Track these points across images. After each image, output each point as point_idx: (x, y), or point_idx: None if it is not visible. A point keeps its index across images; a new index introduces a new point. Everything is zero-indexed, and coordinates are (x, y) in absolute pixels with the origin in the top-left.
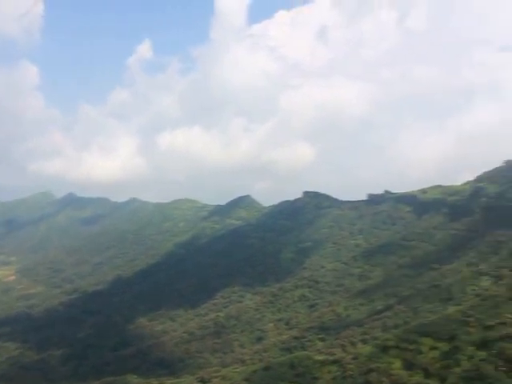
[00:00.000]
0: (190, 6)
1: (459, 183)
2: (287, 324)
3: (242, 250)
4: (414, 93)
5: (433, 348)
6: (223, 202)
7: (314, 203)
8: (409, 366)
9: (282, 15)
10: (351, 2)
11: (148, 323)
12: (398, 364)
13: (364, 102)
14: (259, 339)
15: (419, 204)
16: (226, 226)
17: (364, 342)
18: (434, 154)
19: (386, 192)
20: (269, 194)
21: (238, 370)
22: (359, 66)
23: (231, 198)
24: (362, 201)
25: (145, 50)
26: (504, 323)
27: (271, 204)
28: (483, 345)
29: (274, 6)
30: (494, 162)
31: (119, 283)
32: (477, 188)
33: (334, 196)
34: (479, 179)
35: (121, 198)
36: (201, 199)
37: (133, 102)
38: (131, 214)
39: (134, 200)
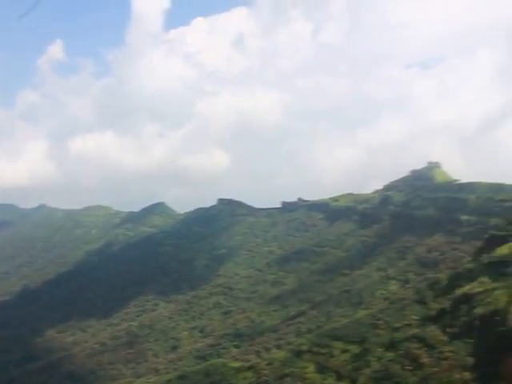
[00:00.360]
0: (106, 9)
1: (369, 191)
2: (202, 332)
3: (156, 258)
4: (328, 103)
5: (344, 351)
6: (137, 209)
7: (229, 210)
8: (322, 369)
9: (199, 22)
10: (268, 13)
11: (57, 335)
12: (311, 368)
13: (279, 111)
14: (174, 348)
15: (331, 211)
16: (139, 233)
17: (278, 347)
18: (345, 163)
19: (300, 200)
20: (184, 201)
21: (151, 380)
22: (275, 76)
23: (145, 205)
24: (276, 208)
25: (56, 50)
26: (410, 324)
27: (186, 211)
28: (391, 346)
29: (192, 13)
30: (401, 171)
31: (27, 293)
32: (385, 196)
33: (249, 203)
34: (387, 188)
35: (29, 204)
36: (114, 206)
37: (43, 104)
38: (40, 221)
39: (42, 206)
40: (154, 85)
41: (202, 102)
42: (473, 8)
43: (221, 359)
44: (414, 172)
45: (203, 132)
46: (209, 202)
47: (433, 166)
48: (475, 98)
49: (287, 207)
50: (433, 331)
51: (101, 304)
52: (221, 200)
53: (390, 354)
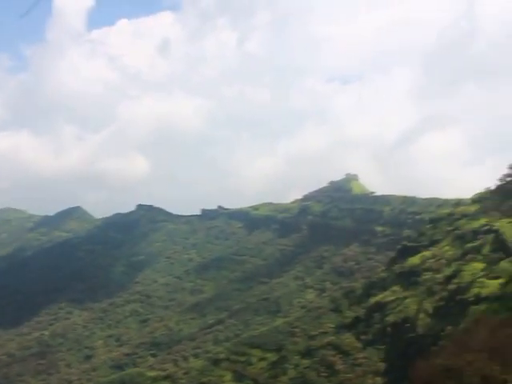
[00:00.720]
0: (26, 2)
1: (288, 201)
2: (118, 340)
3: (71, 264)
4: (251, 113)
5: (262, 359)
6: (52, 213)
7: (148, 217)
8: (239, 377)
9: (123, 24)
10: (194, 19)
11: None
12: (228, 376)
13: (202, 118)
14: (88, 358)
15: (251, 220)
16: (54, 237)
17: (196, 356)
18: (266, 173)
19: (220, 208)
20: (102, 206)
21: None
22: (199, 82)
23: (61, 209)
24: (196, 215)
25: None
26: (326, 332)
27: (104, 216)
28: (307, 353)
29: (116, 14)
30: (320, 182)
31: None
32: (304, 206)
33: (169, 210)
34: (306, 198)
35: None
36: (27, 209)
37: None
38: None
39: None
40: (75, 85)
41: (124, 105)
42: (392, 29)
43: (137, 368)
44: (332, 183)
45: (124, 136)
46: (128, 207)
47: (350, 178)
48: (391, 114)
49: (207, 215)
50: (347, 338)
51: (10, 313)
52: (140, 206)
53: (306, 362)
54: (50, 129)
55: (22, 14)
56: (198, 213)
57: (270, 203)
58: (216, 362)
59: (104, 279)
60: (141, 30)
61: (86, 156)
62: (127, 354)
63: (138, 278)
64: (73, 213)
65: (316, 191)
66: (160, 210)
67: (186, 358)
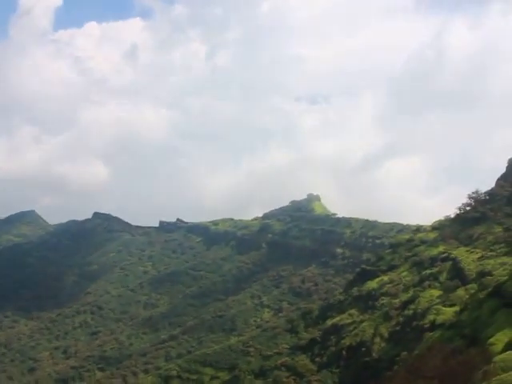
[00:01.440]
0: None
1: (249, 218)
2: (65, 353)
3: (20, 270)
4: (216, 126)
5: (214, 377)
6: (2, 216)
7: (105, 226)
8: None
9: (92, 26)
10: (165, 28)
11: None
12: None
13: (166, 129)
14: (31, 370)
15: (210, 235)
16: (2, 242)
17: (146, 371)
18: (228, 188)
19: (179, 220)
20: (57, 211)
21: None
22: (165, 92)
23: (12, 212)
24: (154, 227)
25: None
26: (280, 353)
27: (58, 222)
28: (261, 373)
29: (85, 16)
30: (282, 201)
31: None
32: (264, 224)
33: (126, 220)
34: (267, 216)
35: None
36: None
37: None
38: None
39: None
40: (36, 85)
41: (86, 109)
42: (362, 53)
43: (83, 383)
44: (293, 203)
45: (84, 141)
46: (84, 215)
47: (312, 198)
48: (355, 138)
49: (165, 227)
50: (302, 360)
51: None
52: (96, 214)
53: (259, 382)
54: (6, 129)
55: None
56: (156, 225)
57: (231, 219)
58: (167, 379)
59: (54, 288)
60: (109, 34)
61: (44, 159)
62: (74, 367)
63: (89, 289)
64: (25, 217)
65: (277, 210)
66: (117, 220)
67: (135, 374)
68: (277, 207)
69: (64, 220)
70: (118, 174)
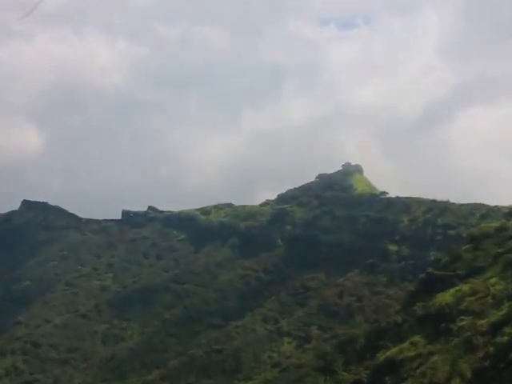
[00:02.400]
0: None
1: (256, 203)
2: None
3: None
4: (201, 66)
5: None
6: None
7: (39, 220)
8: None
9: None
10: None
11: None
12: None
13: (127, 71)
14: None
15: (198, 229)
16: None
17: None
18: (222, 159)
19: (151, 209)
20: None
21: None
22: (125, 17)
23: None
24: (115, 220)
25: None
26: None
27: None
28: None
29: None
30: (304, 175)
31: None
32: (279, 211)
33: (72, 210)
34: (283, 198)
35: None
36: None
37: None
38: None
39: None
40: None
41: (7, 46)
42: None
43: None
44: (322, 178)
45: (4, 93)
46: (7, 204)
47: (351, 171)
48: (412, 77)
49: (131, 219)
50: None
51: None
52: (26, 203)
53: None
54: None
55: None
56: (118, 216)
57: (229, 205)
58: None
59: None
60: None
61: None
62: None
63: (20, 317)
64: None
65: (297, 189)
66: (58, 211)
67: None
68: (296, 185)
69: None
70: (58, 142)
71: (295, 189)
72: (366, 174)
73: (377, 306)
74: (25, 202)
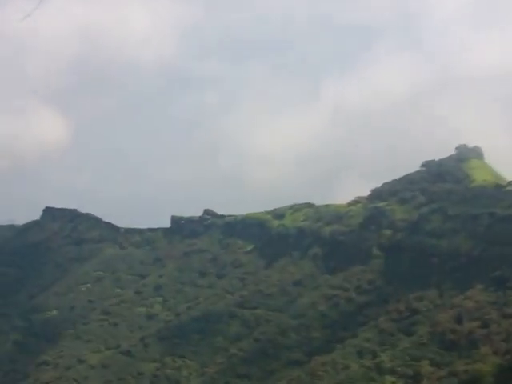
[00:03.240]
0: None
1: (344, 202)
2: None
3: None
4: (269, 27)
5: None
6: None
7: (68, 231)
8: None
9: None
10: None
11: None
12: None
13: (174, 37)
14: None
15: (270, 237)
16: None
17: None
18: (297, 144)
19: (208, 213)
20: None
21: None
22: None
23: None
24: (163, 229)
25: None
26: None
27: None
28: None
29: None
30: (405, 163)
31: None
32: (374, 211)
33: (108, 218)
34: (378, 194)
35: None
36: None
37: None
38: None
39: None
40: None
41: (19, 12)
42: None
43: None
44: (430, 165)
45: (17, 70)
46: (26, 213)
47: (468, 155)
48: None
49: (183, 228)
50: None
51: None
52: (50, 210)
53: None
54: None
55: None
56: (166, 224)
57: (308, 205)
58: None
59: None
60: None
61: None
62: None
63: (45, 356)
64: None
65: (397, 181)
66: (90, 219)
67: None
68: (396, 176)
69: None
70: (87, 132)
71: (394, 181)
72: (487, 158)
73: (508, 332)
74: (48, 210)
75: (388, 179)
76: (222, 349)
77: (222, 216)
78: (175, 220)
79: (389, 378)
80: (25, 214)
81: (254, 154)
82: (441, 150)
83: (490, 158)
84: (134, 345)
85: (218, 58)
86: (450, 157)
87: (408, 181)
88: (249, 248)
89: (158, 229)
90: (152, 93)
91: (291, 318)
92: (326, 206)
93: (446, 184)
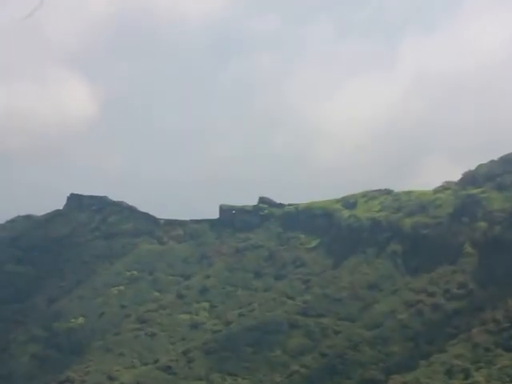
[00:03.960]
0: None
1: (430, 187)
2: None
3: None
4: None
5: None
6: None
7: (97, 222)
8: None
9: None
10: None
11: None
12: None
13: None
14: None
15: (338, 230)
16: None
17: None
18: (366, 118)
19: (264, 201)
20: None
21: None
22: None
23: None
24: (209, 221)
25: None
26: None
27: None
28: None
29: None
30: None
31: None
32: (467, 200)
33: (144, 207)
34: (471, 179)
35: None
36: None
37: None
38: None
39: None
40: None
41: None
42: None
43: None
44: None
45: (40, 32)
46: (46, 199)
47: None
48: None
49: (234, 219)
50: None
51: None
52: (76, 198)
53: None
54: None
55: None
56: (214, 215)
57: (385, 191)
58: None
59: None
60: None
61: None
62: None
63: (69, 371)
64: None
65: (495, 163)
66: (124, 209)
67: None
68: (494, 157)
69: (6, 215)
70: (120, 104)
71: (491, 163)
72: None
73: None
74: (73, 197)
75: (483, 160)
76: (281, 365)
77: (281, 205)
78: (224, 210)
79: None
80: (45, 202)
81: (318, 130)
82: None
83: None
84: (174, 359)
85: (276, 14)
86: None
87: (508, 162)
88: (313, 244)
89: (203, 220)
90: (198, 56)
91: (365, 328)
92: (407, 193)
93: None
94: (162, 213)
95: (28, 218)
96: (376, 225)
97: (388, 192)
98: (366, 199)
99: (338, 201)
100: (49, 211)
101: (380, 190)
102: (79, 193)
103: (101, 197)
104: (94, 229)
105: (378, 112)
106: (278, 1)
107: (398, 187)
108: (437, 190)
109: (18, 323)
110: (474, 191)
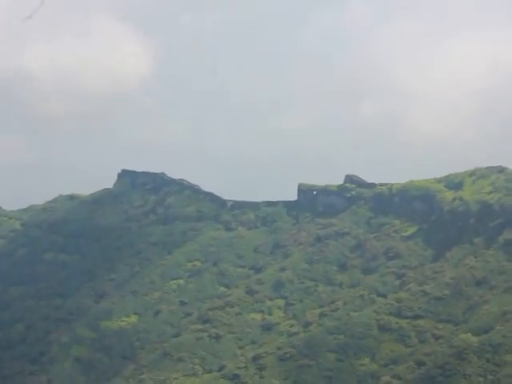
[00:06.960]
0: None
1: None
2: None
3: None
4: None
5: None
6: None
7: (153, 204)
8: None
9: None
10: None
11: None
12: None
13: None
14: None
15: (440, 215)
16: None
17: None
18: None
19: (350, 180)
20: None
21: None
22: None
23: None
24: (286, 203)
25: None
26: None
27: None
28: None
29: None
30: None
31: None
32: None
33: (208, 187)
34: None
35: None
36: None
37: None
38: None
39: None
40: None
41: None
42: None
43: None
44: None
45: None
46: (93, 177)
47: None
48: None
49: (314, 201)
50: None
51: None
52: (128, 174)
53: None
54: None
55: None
56: (291, 196)
57: (497, 169)
58: None
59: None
60: None
61: None
62: None
63: (119, 378)
64: None
65: None
66: (185, 188)
67: None
68: None
69: (46, 195)
70: (177, 64)
71: None
72: None
73: None
74: (124, 174)
75: None
76: (369, 375)
77: (372, 185)
78: (303, 190)
79: None
80: (92, 180)
81: (413, 95)
82: None
83: None
84: (243, 366)
85: None
86: None
87: None
88: (410, 231)
89: (278, 202)
90: (272, 10)
91: (472, 332)
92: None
93: None
94: (229, 194)
95: (72, 198)
96: (486, 209)
97: (501, 170)
98: (475, 178)
99: (439, 180)
100: (96, 190)
101: (491, 168)
102: (132, 169)
103: (157, 174)
104: (149, 212)
105: (489, 73)
106: None
107: None
108: None
109: (60, 322)
110: None
